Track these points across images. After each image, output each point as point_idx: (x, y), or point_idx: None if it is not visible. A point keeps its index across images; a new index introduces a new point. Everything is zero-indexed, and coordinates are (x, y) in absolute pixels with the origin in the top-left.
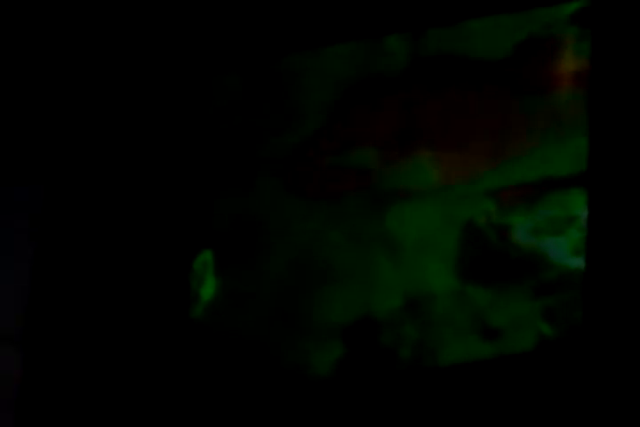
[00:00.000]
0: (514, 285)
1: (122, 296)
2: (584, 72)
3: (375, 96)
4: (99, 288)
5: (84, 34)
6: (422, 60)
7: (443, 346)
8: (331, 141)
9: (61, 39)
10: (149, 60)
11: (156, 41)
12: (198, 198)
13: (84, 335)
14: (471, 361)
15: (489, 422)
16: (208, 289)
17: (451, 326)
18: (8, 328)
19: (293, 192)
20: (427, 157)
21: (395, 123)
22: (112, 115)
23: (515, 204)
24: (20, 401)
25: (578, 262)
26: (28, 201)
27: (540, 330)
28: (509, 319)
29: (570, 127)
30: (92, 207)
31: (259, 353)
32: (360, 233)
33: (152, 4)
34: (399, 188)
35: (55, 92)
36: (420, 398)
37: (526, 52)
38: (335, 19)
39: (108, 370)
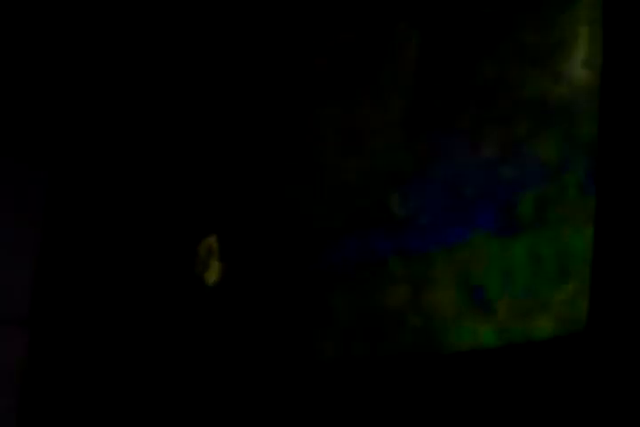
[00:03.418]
0: None
1: (127, 279)
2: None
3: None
4: (104, 272)
5: (93, 28)
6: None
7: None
8: None
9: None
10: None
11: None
12: (204, 184)
13: (90, 318)
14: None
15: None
16: (212, 273)
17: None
18: (15, 310)
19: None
20: None
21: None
22: (115, 105)
23: None
24: (26, 380)
25: None
26: (33, 188)
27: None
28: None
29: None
30: (97, 193)
31: (262, 337)
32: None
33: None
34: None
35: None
36: (424, 385)
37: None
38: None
39: (113, 352)
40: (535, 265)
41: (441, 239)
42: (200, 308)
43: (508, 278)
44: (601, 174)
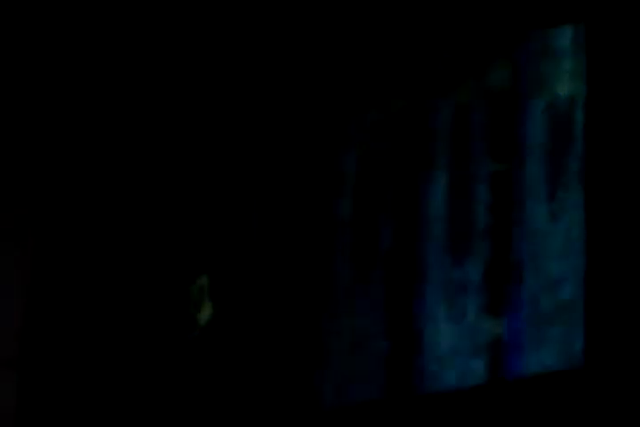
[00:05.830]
0: None
1: (120, 320)
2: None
3: None
4: (96, 313)
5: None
6: None
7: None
8: None
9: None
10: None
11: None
12: (195, 225)
13: (81, 360)
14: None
15: None
16: (205, 313)
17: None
18: (5, 352)
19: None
20: None
21: None
22: (113, 137)
23: None
24: (19, 422)
25: None
26: (21, 230)
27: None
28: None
29: None
30: (88, 232)
31: (255, 375)
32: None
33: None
34: None
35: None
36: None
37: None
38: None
39: (106, 394)
40: None
41: None
42: (192, 348)
43: None
44: (590, 206)
